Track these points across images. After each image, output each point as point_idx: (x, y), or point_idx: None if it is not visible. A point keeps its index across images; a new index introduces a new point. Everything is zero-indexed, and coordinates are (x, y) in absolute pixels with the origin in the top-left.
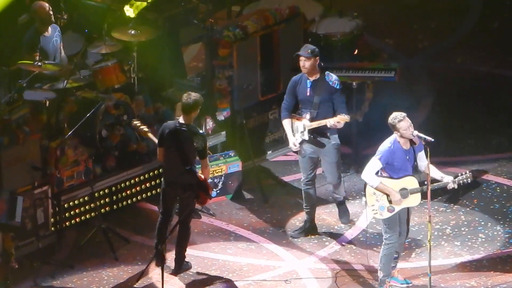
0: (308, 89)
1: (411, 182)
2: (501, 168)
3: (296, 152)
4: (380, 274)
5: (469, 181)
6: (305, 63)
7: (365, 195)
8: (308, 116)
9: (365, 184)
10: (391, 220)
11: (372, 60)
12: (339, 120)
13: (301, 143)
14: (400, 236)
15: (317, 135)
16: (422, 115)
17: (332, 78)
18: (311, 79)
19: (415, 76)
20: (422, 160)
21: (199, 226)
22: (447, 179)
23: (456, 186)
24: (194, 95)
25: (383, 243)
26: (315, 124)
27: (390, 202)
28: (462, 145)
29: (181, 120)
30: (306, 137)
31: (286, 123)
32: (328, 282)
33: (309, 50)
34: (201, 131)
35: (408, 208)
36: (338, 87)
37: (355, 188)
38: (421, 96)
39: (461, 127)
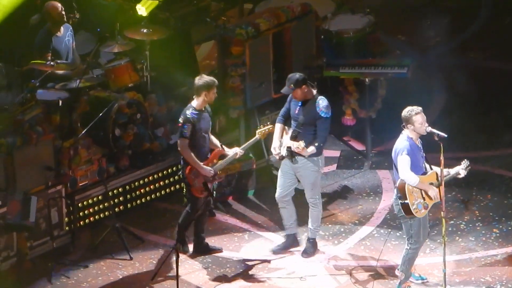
0: (298, 108)
1: (434, 177)
2: None
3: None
4: (401, 276)
5: (470, 166)
6: (294, 95)
7: (401, 197)
8: (290, 133)
9: (401, 186)
10: (419, 223)
11: (385, 57)
12: (298, 146)
13: (282, 158)
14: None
15: (295, 153)
16: (435, 111)
17: (321, 104)
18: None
19: (428, 73)
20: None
21: (213, 224)
22: (455, 170)
23: (466, 173)
24: (205, 77)
25: (408, 247)
26: (289, 144)
27: (424, 198)
28: (475, 140)
29: (193, 103)
30: (284, 152)
31: (277, 127)
32: (343, 279)
33: (292, 84)
34: (187, 112)
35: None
36: (323, 115)
37: (369, 185)
38: (433, 92)
39: (473, 123)
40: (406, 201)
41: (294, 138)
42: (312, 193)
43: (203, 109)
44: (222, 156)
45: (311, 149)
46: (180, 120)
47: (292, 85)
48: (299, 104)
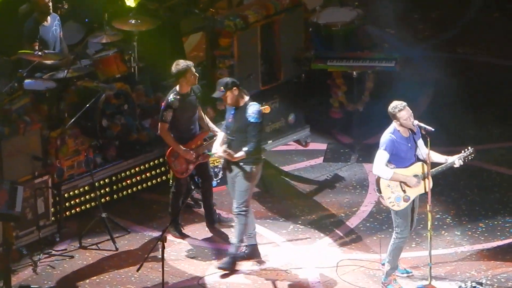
0: (231, 115)
1: (420, 168)
2: (501, 158)
3: None
4: (387, 267)
5: (472, 157)
6: (224, 99)
7: (378, 190)
8: (225, 141)
9: (377, 179)
10: (404, 213)
11: (373, 50)
12: (222, 152)
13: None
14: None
15: (231, 162)
16: (423, 105)
17: (250, 110)
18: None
19: (416, 66)
20: (422, 148)
21: (199, 215)
22: (452, 159)
23: (462, 163)
24: (180, 63)
25: (394, 236)
26: (218, 154)
27: (404, 191)
28: (463, 135)
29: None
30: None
31: (219, 135)
32: (328, 271)
33: (222, 87)
34: (170, 96)
35: (415, 199)
36: (252, 120)
37: (356, 178)
38: (422, 86)
39: (461, 117)
40: (381, 194)
41: (228, 146)
42: (238, 203)
43: (188, 92)
44: (210, 137)
45: (239, 154)
46: (163, 103)
47: (222, 87)
48: (232, 112)
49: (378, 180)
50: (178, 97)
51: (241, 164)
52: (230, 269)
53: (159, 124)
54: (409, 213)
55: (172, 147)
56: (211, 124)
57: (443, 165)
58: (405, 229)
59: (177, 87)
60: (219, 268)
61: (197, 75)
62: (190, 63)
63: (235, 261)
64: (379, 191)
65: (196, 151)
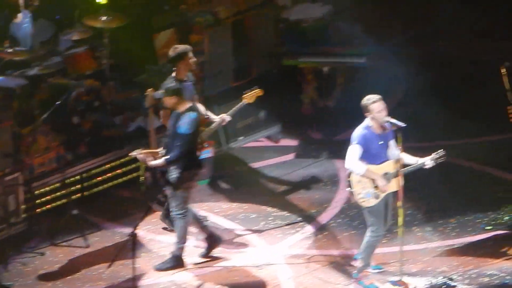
0: (172, 120)
1: (391, 166)
2: (472, 153)
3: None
4: (360, 263)
5: (443, 159)
6: (163, 102)
7: (349, 186)
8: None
9: (348, 175)
10: (377, 210)
11: (344, 46)
12: (138, 154)
13: None
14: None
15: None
16: (393, 101)
17: (182, 119)
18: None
19: (387, 62)
20: (394, 149)
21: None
22: (423, 160)
23: (433, 164)
24: (179, 47)
25: (369, 234)
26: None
27: (375, 188)
28: (434, 130)
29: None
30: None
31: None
32: (300, 267)
33: (164, 90)
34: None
35: (388, 197)
36: (181, 130)
37: (326, 174)
38: (392, 81)
39: (433, 113)
40: (352, 190)
41: (164, 148)
42: (173, 207)
43: (185, 78)
44: (209, 123)
45: (159, 161)
46: (163, 92)
47: (164, 91)
48: (173, 121)
49: (349, 175)
50: (179, 83)
51: (172, 169)
52: (169, 269)
53: (163, 112)
54: (382, 211)
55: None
56: (205, 110)
57: (414, 165)
58: (379, 227)
59: (174, 74)
60: (157, 269)
61: (195, 59)
62: (188, 46)
63: (176, 261)
64: (350, 186)
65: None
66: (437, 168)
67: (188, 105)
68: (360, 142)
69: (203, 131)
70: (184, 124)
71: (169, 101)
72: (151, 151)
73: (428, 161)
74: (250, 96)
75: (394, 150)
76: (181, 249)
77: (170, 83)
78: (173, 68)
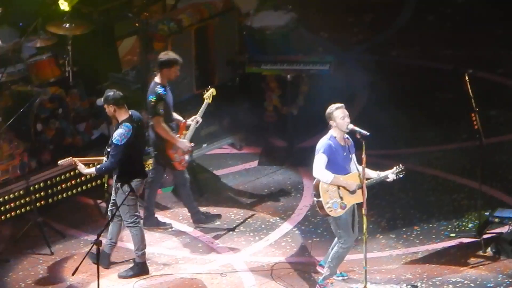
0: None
1: (356, 178)
2: (435, 161)
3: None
4: (326, 271)
5: (403, 174)
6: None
7: (316, 195)
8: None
9: (316, 184)
10: (344, 223)
11: (307, 54)
12: (72, 161)
13: None
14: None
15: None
16: (356, 109)
17: (116, 131)
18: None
19: (350, 70)
20: (355, 163)
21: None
22: (384, 174)
23: (395, 178)
24: (171, 54)
25: (338, 246)
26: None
27: (341, 198)
28: (397, 138)
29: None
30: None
31: None
32: (263, 274)
33: (102, 99)
34: (157, 89)
35: (354, 209)
36: (113, 141)
37: (290, 181)
38: (355, 90)
39: (395, 121)
40: (320, 199)
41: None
42: (123, 216)
43: (166, 84)
44: (187, 127)
45: (90, 170)
46: (152, 98)
47: (103, 99)
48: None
49: (317, 185)
50: (163, 88)
51: (116, 180)
52: (132, 277)
53: (154, 118)
54: (350, 223)
55: (169, 139)
56: (177, 116)
57: (377, 178)
58: (348, 238)
59: (157, 79)
60: (120, 277)
61: (178, 74)
62: (180, 60)
63: (139, 269)
64: (318, 195)
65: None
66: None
67: (126, 115)
68: (326, 151)
69: (186, 134)
70: (116, 135)
71: (108, 109)
72: (87, 159)
73: (390, 175)
74: (208, 96)
75: (356, 164)
76: (142, 256)
77: (154, 87)
78: (154, 72)
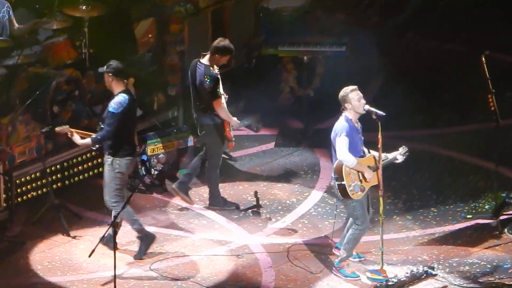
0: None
1: (372, 160)
2: (452, 143)
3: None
4: (343, 253)
5: (407, 155)
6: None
7: (338, 179)
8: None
9: (339, 167)
10: (361, 205)
11: (323, 35)
12: (67, 130)
13: None
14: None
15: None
16: (373, 90)
17: (113, 100)
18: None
19: (366, 51)
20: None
21: (151, 201)
22: (393, 154)
23: (403, 158)
24: (225, 42)
25: (355, 227)
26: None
27: (361, 181)
28: (413, 120)
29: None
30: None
31: None
32: (280, 256)
33: (106, 66)
34: (211, 71)
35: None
36: (110, 109)
37: (307, 163)
38: (372, 71)
39: (412, 102)
40: (343, 183)
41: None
42: (107, 196)
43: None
44: None
45: (86, 140)
46: (209, 80)
47: (105, 66)
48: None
49: (340, 168)
50: (216, 70)
51: (106, 155)
52: (146, 252)
53: (216, 100)
54: (365, 204)
55: (227, 119)
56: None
57: (385, 161)
58: (364, 220)
59: (205, 61)
60: (136, 258)
61: (226, 63)
62: (232, 48)
63: (146, 241)
64: (340, 179)
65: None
66: (417, 157)
67: (122, 88)
68: (347, 134)
69: None
70: (113, 103)
71: (107, 79)
72: (83, 132)
73: (398, 156)
74: None
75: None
76: (140, 229)
77: (207, 69)
78: (204, 53)
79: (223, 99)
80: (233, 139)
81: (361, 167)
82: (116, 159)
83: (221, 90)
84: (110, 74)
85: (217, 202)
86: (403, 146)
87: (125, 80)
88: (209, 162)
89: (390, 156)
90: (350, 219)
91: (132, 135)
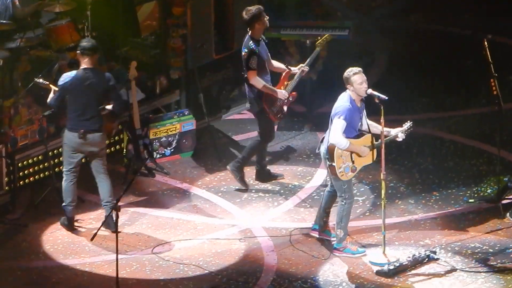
0: None
1: (369, 140)
2: (454, 127)
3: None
4: (340, 234)
5: (411, 129)
6: None
7: (330, 159)
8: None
9: (331, 149)
10: (349, 180)
11: (326, 19)
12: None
13: None
14: None
15: None
16: (376, 74)
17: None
18: None
19: (369, 35)
20: (365, 121)
21: (153, 185)
22: (395, 131)
23: (404, 136)
24: (251, 9)
25: (343, 203)
26: None
27: (353, 162)
28: (416, 103)
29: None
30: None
31: None
32: (282, 240)
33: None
34: (249, 43)
35: None
36: (112, 82)
37: (309, 147)
38: (374, 54)
39: (415, 86)
40: (333, 164)
41: None
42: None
43: (260, 38)
44: (291, 76)
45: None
46: (244, 52)
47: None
48: None
49: (332, 150)
50: (255, 42)
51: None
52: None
53: (248, 72)
54: (352, 180)
55: (266, 91)
56: (278, 63)
57: (386, 139)
58: (351, 194)
59: (250, 33)
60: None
61: (268, 17)
62: (260, 6)
63: (68, 221)
64: (331, 160)
65: (286, 91)
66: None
67: (84, 66)
68: (346, 117)
69: (288, 85)
70: (61, 76)
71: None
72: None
73: (400, 134)
74: (321, 44)
75: (366, 120)
76: (69, 211)
77: (248, 41)
78: (249, 30)
79: (299, 72)
80: (274, 112)
81: (355, 147)
82: (65, 129)
83: (255, 63)
84: (78, 52)
85: (263, 177)
86: (408, 120)
87: (93, 56)
88: (259, 134)
89: (393, 132)
90: (324, 197)
91: (82, 113)
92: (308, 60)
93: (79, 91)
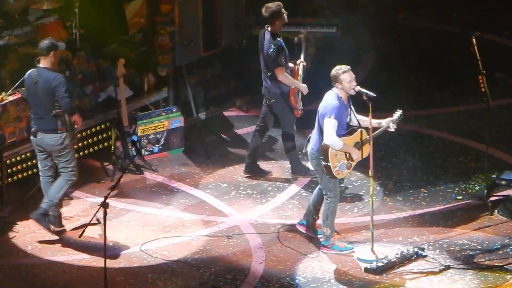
0: None
1: (359, 136)
2: (442, 124)
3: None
4: (326, 232)
5: (402, 118)
6: None
7: (325, 160)
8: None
9: (325, 149)
10: (335, 179)
11: (314, 16)
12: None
13: None
14: None
15: None
16: (364, 71)
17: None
18: None
19: (357, 32)
20: (354, 117)
21: (141, 182)
22: (386, 122)
23: (396, 126)
24: (270, 6)
25: (329, 201)
26: None
27: (348, 159)
28: (404, 100)
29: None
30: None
31: None
32: (270, 237)
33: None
34: (277, 40)
35: None
36: (56, 83)
37: (297, 144)
38: (362, 52)
39: (402, 83)
40: (328, 164)
41: None
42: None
43: (279, 34)
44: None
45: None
46: (273, 50)
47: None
48: None
49: (326, 150)
50: (279, 38)
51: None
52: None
53: (277, 69)
54: (337, 178)
55: (294, 86)
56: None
57: (378, 130)
58: (336, 192)
59: (270, 30)
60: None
61: (286, 12)
62: (279, 2)
63: (44, 218)
64: (326, 160)
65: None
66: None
67: (44, 64)
68: (337, 116)
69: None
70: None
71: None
72: None
73: (391, 124)
74: (304, 39)
75: (355, 115)
76: (50, 205)
77: (272, 39)
78: (267, 26)
79: (301, 67)
80: (301, 107)
81: (347, 148)
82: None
83: (283, 59)
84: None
85: (299, 170)
86: (398, 109)
87: (47, 56)
88: (283, 132)
89: (384, 123)
90: (314, 195)
91: (36, 111)
92: (302, 56)
93: (31, 90)
